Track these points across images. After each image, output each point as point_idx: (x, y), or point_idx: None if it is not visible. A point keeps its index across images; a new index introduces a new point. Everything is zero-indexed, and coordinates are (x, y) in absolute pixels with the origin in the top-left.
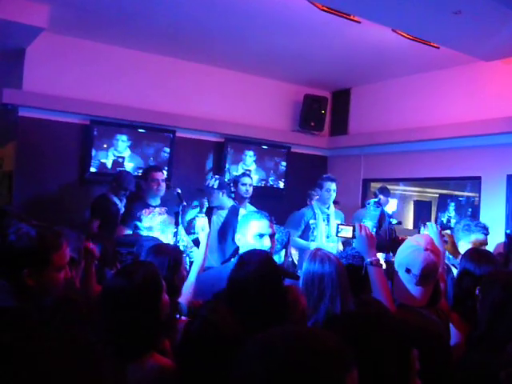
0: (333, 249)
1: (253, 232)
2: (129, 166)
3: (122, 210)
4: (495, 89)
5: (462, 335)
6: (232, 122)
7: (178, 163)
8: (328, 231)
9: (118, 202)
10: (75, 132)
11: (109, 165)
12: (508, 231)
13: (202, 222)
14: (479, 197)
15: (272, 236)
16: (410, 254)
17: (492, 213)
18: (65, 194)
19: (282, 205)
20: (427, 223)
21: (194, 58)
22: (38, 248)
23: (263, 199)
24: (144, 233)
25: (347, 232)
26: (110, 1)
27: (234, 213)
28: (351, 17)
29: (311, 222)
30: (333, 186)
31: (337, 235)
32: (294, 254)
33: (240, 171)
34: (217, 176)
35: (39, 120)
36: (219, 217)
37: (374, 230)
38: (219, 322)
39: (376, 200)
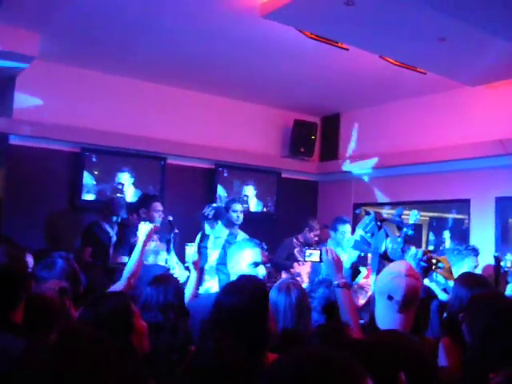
0: None
1: (247, 261)
2: (120, 193)
3: (114, 237)
4: (481, 113)
5: (455, 359)
6: (223, 148)
7: (169, 190)
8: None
9: (109, 229)
10: (66, 159)
11: (100, 192)
12: (496, 254)
13: (191, 251)
14: (469, 219)
15: (264, 264)
16: (391, 280)
17: (481, 235)
18: (55, 222)
19: (273, 230)
20: (410, 247)
21: (184, 85)
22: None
23: (254, 225)
24: None
25: (315, 256)
26: (100, 29)
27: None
28: (339, 44)
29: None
30: (346, 227)
31: (304, 260)
32: None
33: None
34: (214, 205)
35: (29, 148)
36: (216, 244)
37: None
38: (228, 354)
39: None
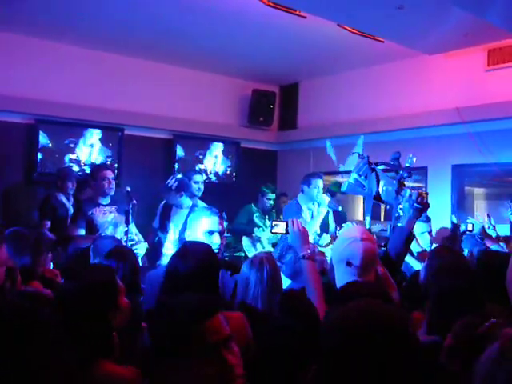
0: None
1: (203, 228)
2: (75, 164)
3: (71, 209)
4: (438, 81)
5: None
6: (181, 119)
7: (128, 161)
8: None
9: (65, 201)
10: (20, 132)
11: (55, 164)
12: (454, 218)
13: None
14: (425, 186)
15: (221, 233)
16: (347, 246)
17: (438, 202)
18: (11, 196)
19: (233, 199)
20: (347, 223)
21: (141, 55)
22: None
23: (214, 194)
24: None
25: (280, 228)
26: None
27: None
28: (297, 12)
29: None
30: (320, 182)
31: (271, 232)
32: (246, 247)
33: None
34: (178, 177)
35: None
36: (180, 216)
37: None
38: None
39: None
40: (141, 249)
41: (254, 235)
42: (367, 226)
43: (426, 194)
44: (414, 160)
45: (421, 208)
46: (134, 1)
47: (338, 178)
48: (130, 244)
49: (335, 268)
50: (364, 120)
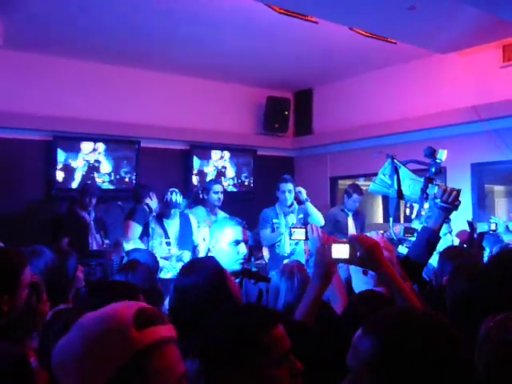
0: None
1: (228, 239)
2: (95, 179)
3: (92, 223)
4: (453, 80)
5: None
6: (197, 129)
7: (145, 174)
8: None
9: (86, 215)
10: (38, 149)
11: (75, 180)
12: (470, 219)
13: (204, 233)
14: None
15: (246, 242)
16: None
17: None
18: (30, 213)
19: (251, 208)
20: (370, 232)
21: (154, 67)
22: (8, 271)
23: (232, 203)
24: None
25: (300, 234)
26: (65, 15)
27: (185, 219)
28: (308, 18)
29: (274, 221)
30: (287, 186)
31: (290, 238)
32: (266, 257)
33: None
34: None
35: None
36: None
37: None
38: None
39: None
40: (185, 257)
41: None
42: (390, 227)
43: (456, 190)
44: (445, 155)
45: (447, 207)
46: (147, 14)
47: (357, 182)
48: (171, 255)
49: (352, 276)
50: (380, 122)
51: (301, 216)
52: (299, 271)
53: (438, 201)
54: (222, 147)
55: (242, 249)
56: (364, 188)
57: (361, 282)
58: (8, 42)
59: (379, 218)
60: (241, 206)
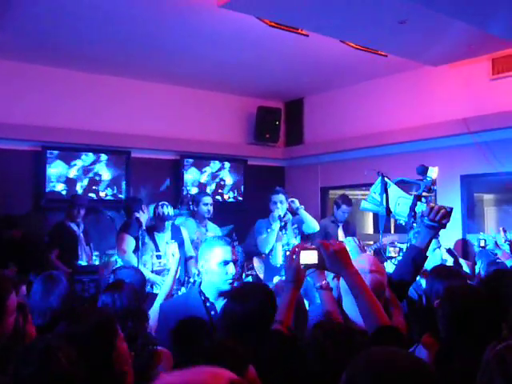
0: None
1: (217, 259)
2: (83, 189)
3: (81, 235)
4: (444, 92)
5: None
6: (186, 139)
7: (135, 184)
8: (287, 239)
9: (75, 227)
10: (28, 159)
11: (64, 190)
12: (448, 247)
13: (172, 248)
14: (435, 198)
15: (235, 262)
16: None
17: None
18: (20, 223)
19: (242, 218)
20: (346, 238)
21: (144, 76)
22: None
23: (222, 214)
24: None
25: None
26: (55, 25)
27: (176, 231)
28: (299, 30)
29: (268, 230)
30: (279, 197)
31: (283, 261)
32: (257, 267)
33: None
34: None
35: None
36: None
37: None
38: None
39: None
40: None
41: (264, 256)
42: (380, 241)
43: (444, 209)
44: (435, 172)
45: (433, 225)
46: (139, 24)
47: (349, 192)
48: (163, 268)
49: (343, 296)
50: (371, 133)
51: (295, 226)
52: None
53: (425, 219)
54: (212, 157)
55: (231, 269)
56: (352, 198)
57: (352, 303)
58: None
59: (369, 229)
60: (231, 215)
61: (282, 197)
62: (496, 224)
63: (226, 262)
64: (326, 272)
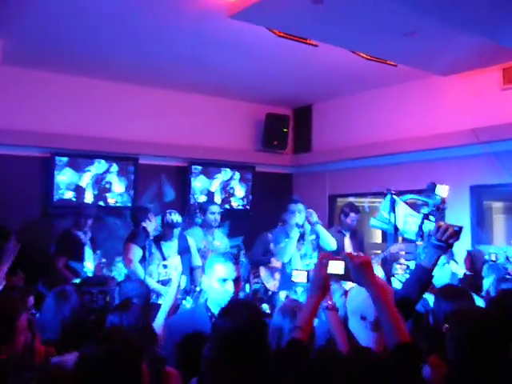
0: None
1: (217, 276)
2: (91, 196)
3: (88, 243)
4: (453, 102)
5: (441, 377)
6: (195, 146)
7: (144, 191)
8: (305, 250)
9: (82, 236)
10: (36, 165)
11: (72, 197)
12: (469, 249)
13: (175, 262)
14: (443, 212)
15: (237, 280)
16: (363, 301)
17: (457, 223)
18: (28, 230)
19: (249, 225)
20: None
21: (152, 83)
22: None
23: (230, 221)
24: None
25: (301, 277)
26: (63, 31)
27: (183, 241)
28: (308, 41)
29: (286, 240)
30: (297, 207)
31: (291, 280)
32: (264, 277)
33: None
34: (172, 212)
35: None
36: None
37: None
38: None
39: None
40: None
41: (270, 265)
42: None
43: (452, 228)
44: (444, 190)
45: (440, 245)
46: (147, 30)
47: (359, 200)
48: (169, 278)
49: (349, 318)
50: (379, 142)
51: (313, 237)
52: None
53: (432, 238)
54: (220, 163)
55: (229, 287)
56: (360, 205)
57: (358, 324)
58: (6, 58)
59: (377, 238)
60: (239, 222)
61: (300, 206)
62: (505, 232)
63: (224, 280)
64: (334, 289)
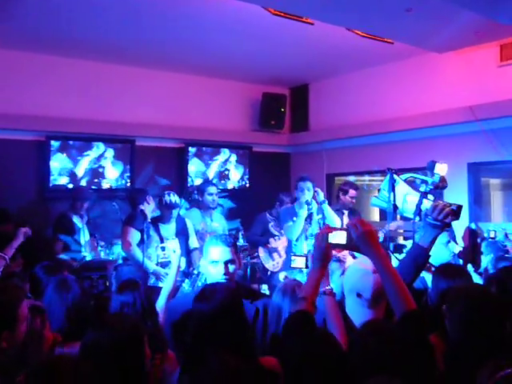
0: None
1: (209, 258)
2: (87, 179)
3: (84, 227)
4: (450, 79)
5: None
6: (191, 127)
7: (140, 172)
8: (311, 230)
9: (77, 220)
10: (32, 149)
11: (68, 180)
12: (472, 225)
13: (173, 245)
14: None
15: (231, 262)
16: (359, 278)
17: (455, 201)
18: (24, 213)
19: (248, 204)
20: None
21: (147, 65)
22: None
23: (228, 201)
24: None
25: (300, 262)
26: (58, 14)
27: (181, 222)
28: (304, 19)
29: (294, 219)
30: (306, 184)
31: (290, 266)
32: (262, 257)
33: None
34: (171, 192)
35: None
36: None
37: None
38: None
39: None
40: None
41: (269, 245)
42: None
43: (448, 207)
44: (443, 168)
45: (436, 224)
46: (142, 13)
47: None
48: (168, 260)
49: (346, 297)
50: (376, 120)
51: (320, 216)
52: (301, 290)
53: (428, 218)
54: (217, 144)
55: (220, 269)
56: (364, 183)
57: (354, 302)
58: (1, 41)
59: (375, 216)
60: (237, 203)
61: (309, 184)
62: (503, 209)
63: (215, 262)
64: (333, 269)
